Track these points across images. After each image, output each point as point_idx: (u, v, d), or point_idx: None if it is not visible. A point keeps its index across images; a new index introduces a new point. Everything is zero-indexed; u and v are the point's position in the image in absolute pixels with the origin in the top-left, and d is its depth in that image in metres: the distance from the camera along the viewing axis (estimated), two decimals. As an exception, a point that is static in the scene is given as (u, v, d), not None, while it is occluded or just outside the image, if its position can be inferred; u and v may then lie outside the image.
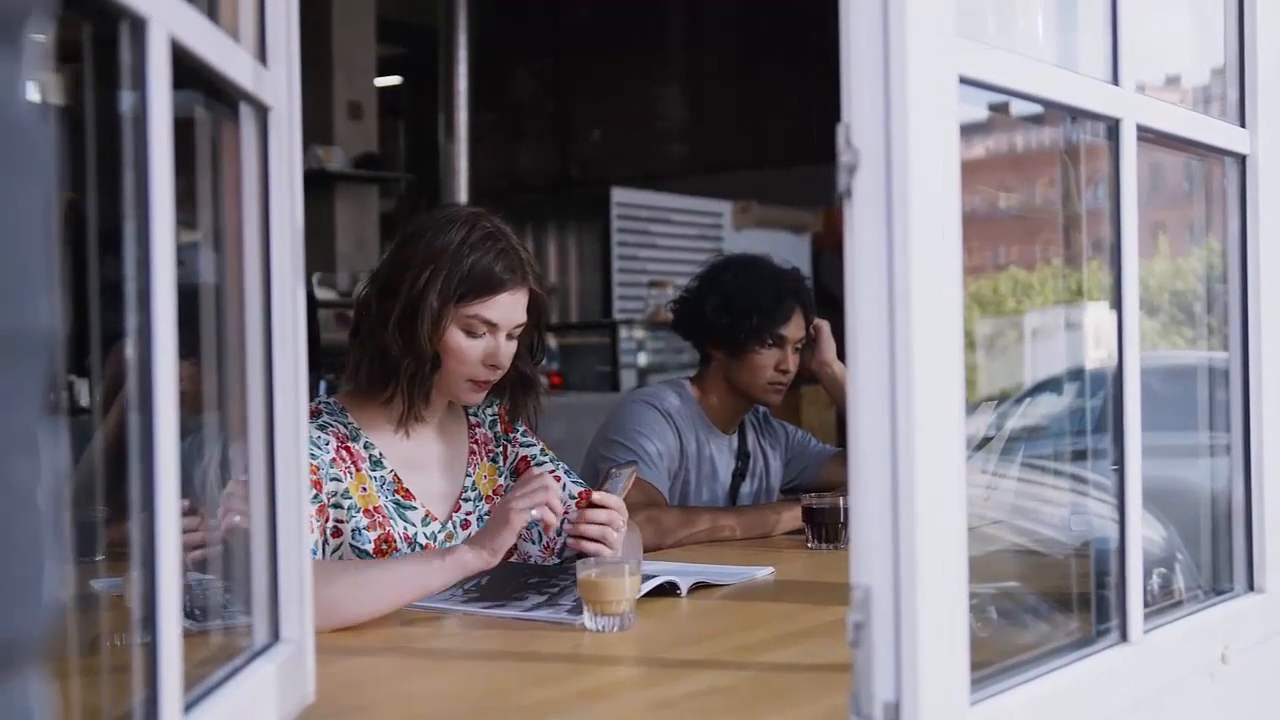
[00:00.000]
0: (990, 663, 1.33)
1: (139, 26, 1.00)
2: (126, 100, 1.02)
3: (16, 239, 0.53)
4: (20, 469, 0.53)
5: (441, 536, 2.26)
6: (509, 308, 2.21)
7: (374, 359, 2.21)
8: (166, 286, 1.02)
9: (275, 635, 1.38)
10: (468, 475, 2.35)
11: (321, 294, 6.74)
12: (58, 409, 0.60)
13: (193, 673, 1.13)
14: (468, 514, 2.32)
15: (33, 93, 0.56)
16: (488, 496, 2.36)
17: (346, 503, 2.15)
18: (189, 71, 1.12)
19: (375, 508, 2.19)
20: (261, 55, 1.35)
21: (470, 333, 2.20)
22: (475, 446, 2.38)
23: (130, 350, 1.03)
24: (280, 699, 1.33)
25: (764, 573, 2.37)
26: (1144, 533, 1.57)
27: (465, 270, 2.17)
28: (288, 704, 1.36)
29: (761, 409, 3.21)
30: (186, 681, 1.06)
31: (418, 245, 2.20)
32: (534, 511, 1.99)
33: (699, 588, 2.19)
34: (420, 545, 2.22)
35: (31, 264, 0.54)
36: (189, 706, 1.10)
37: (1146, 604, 1.55)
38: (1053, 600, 1.73)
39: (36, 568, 0.54)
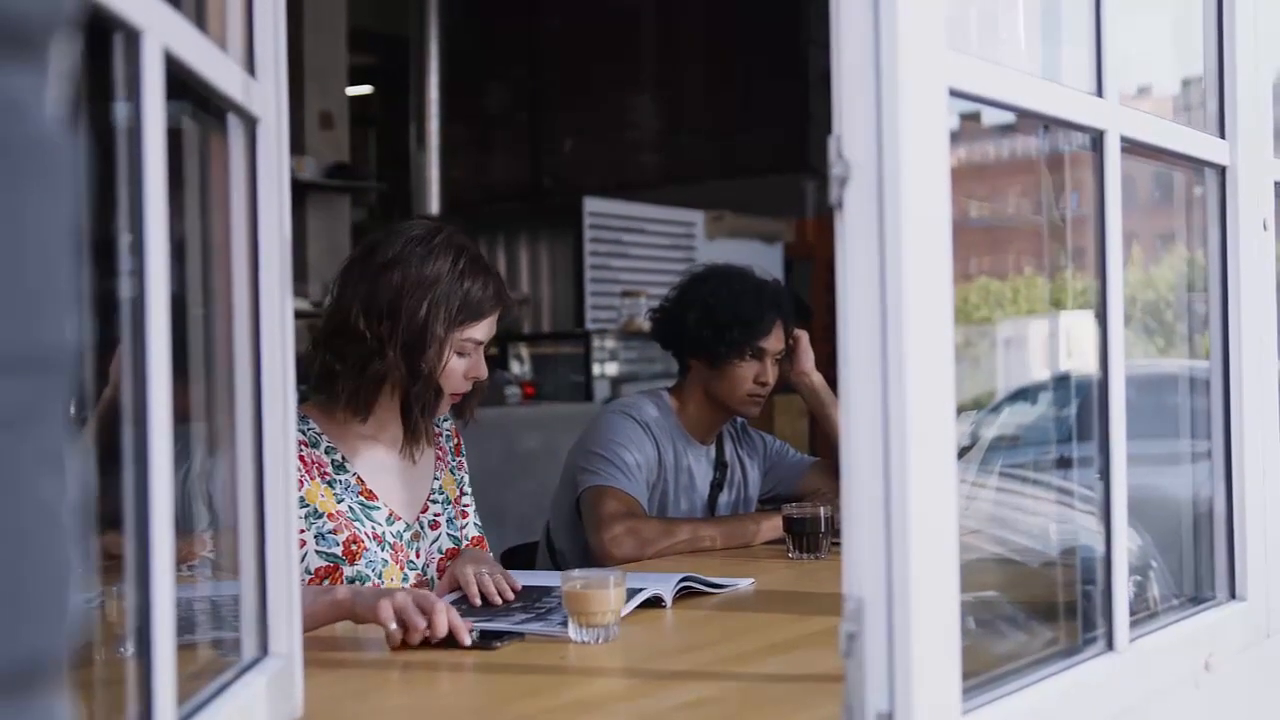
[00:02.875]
0: (980, 672, 1.33)
1: (133, 38, 0.99)
2: (119, 111, 1.02)
3: (43, 255, 0.53)
4: (48, 487, 0.53)
5: (408, 536, 2.33)
6: (492, 325, 2.33)
7: (372, 385, 2.25)
8: (160, 297, 1.02)
9: (264, 649, 1.37)
10: (435, 478, 2.42)
11: (294, 304, 6.69)
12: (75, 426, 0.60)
13: (181, 686, 1.12)
14: (436, 515, 2.40)
15: (56, 108, 0.56)
16: (454, 501, 2.45)
17: (303, 510, 2.19)
18: (178, 82, 1.11)
19: (338, 511, 2.24)
20: (250, 67, 1.35)
21: (461, 353, 2.29)
22: (440, 453, 2.46)
23: (112, 361, 1.03)
24: (270, 713, 1.32)
25: (745, 583, 2.37)
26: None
27: (462, 298, 2.25)
28: (277, 718, 1.35)
29: (739, 419, 3.21)
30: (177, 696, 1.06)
31: (405, 272, 2.24)
32: (393, 625, 1.82)
33: (685, 595, 2.20)
34: (389, 544, 2.28)
35: (57, 280, 0.54)
36: (181, 722, 1.09)
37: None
38: (1036, 610, 1.74)
39: (63, 585, 0.54)
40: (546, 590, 2.19)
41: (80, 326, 0.57)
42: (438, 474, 2.43)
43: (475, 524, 2.51)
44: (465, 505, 2.51)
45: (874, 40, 1.16)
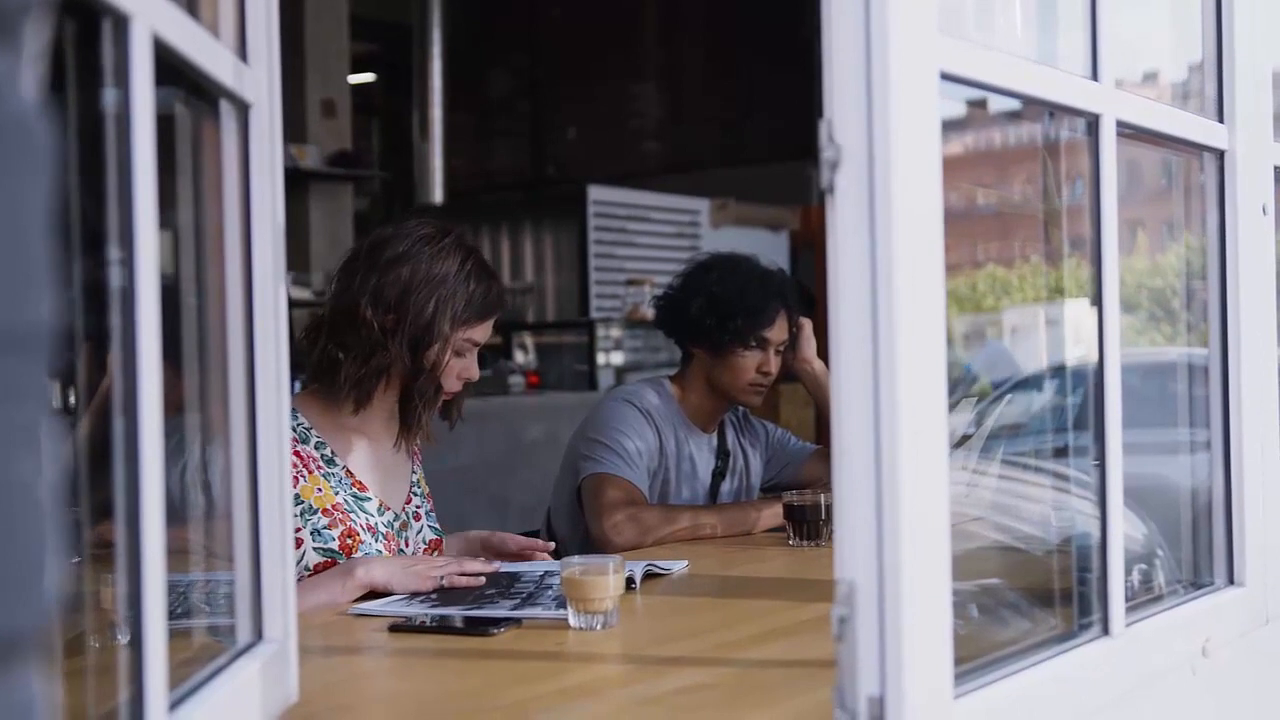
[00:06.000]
0: (974, 657, 1.33)
1: (121, 24, 0.99)
2: (108, 97, 1.01)
3: (20, 235, 0.53)
4: (24, 464, 0.53)
5: (397, 525, 2.38)
6: (490, 328, 2.39)
7: (374, 375, 2.29)
8: (150, 285, 1.02)
9: (258, 634, 1.37)
10: (414, 473, 2.48)
11: (295, 293, 6.71)
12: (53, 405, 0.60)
13: (175, 671, 1.12)
14: (417, 507, 2.46)
15: (31, 90, 0.56)
16: (428, 495, 2.51)
17: (299, 507, 2.22)
18: (169, 68, 1.11)
19: (334, 505, 2.27)
20: (242, 52, 1.35)
21: (459, 353, 2.33)
22: (416, 450, 2.51)
23: (108, 351, 1.03)
24: (264, 698, 1.33)
25: (679, 566, 2.39)
26: (1124, 529, 1.58)
27: (467, 299, 2.30)
28: (271, 703, 1.36)
29: (741, 407, 3.21)
30: (169, 680, 1.06)
31: (414, 269, 2.28)
32: (444, 581, 2.13)
33: (683, 582, 2.21)
34: (381, 534, 2.32)
35: (33, 258, 0.54)
36: (173, 705, 1.10)
37: (1127, 599, 1.56)
38: (1034, 595, 1.74)
39: (39, 562, 0.54)
40: (516, 576, 2.22)
41: (57, 307, 0.58)
42: (415, 468, 2.49)
43: (431, 526, 2.51)
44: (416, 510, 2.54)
45: (864, 24, 1.16)
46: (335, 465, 2.31)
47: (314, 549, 2.22)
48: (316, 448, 2.30)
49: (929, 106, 1.21)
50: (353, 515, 2.28)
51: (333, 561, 2.22)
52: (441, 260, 2.29)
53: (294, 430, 2.28)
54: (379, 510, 2.34)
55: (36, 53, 0.56)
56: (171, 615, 1.14)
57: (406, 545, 2.38)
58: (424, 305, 2.27)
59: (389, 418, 2.37)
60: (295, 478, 2.22)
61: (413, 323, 2.26)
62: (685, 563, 2.42)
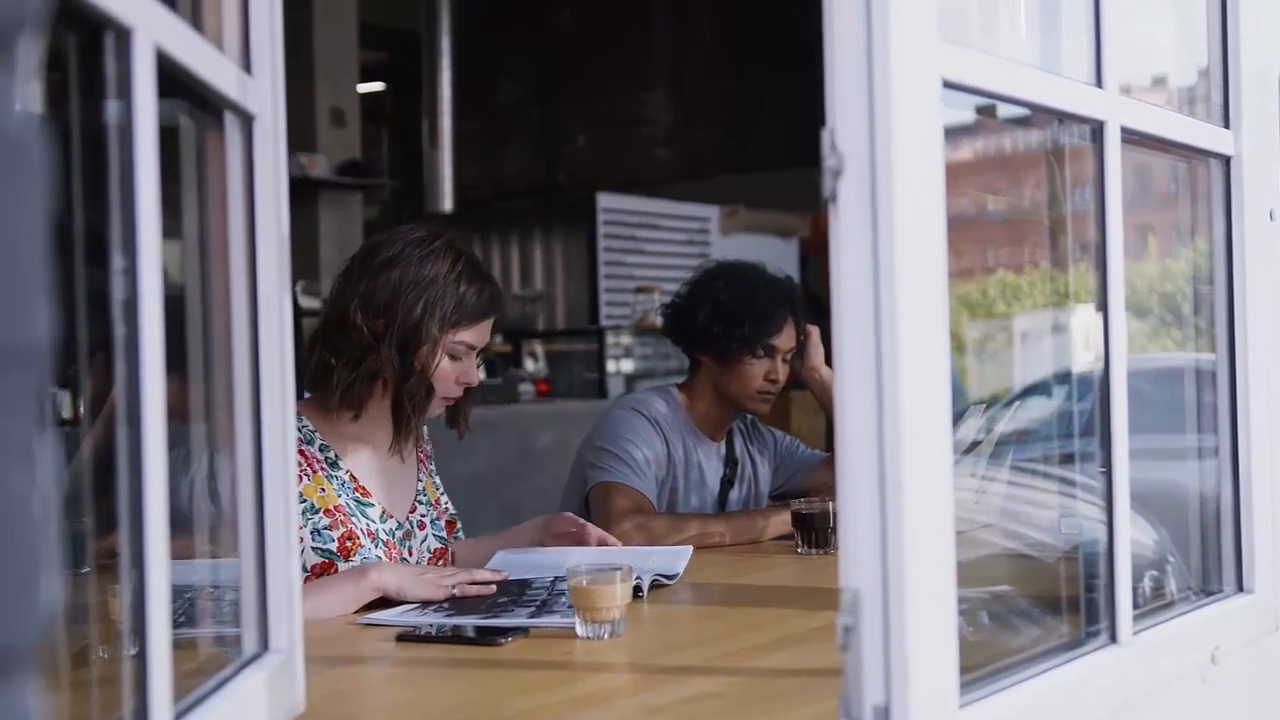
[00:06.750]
0: (980, 665, 1.33)
1: (124, 36, 0.99)
2: (111, 109, 1.02)
3: (13, 249, 0.53)
4: (17, 478, 0.53)
5: (400, 534, 2.38)
6: (487, 331, 2.37)
7: (366, 380, 2.28)
8: (154, 296, 1.02)
9: (264, 645, 1.37)
10: (419, 481, 2.47)
11: (305, 302, 6.71)
12: (48, 419, 0.60)
13: (181, 682, 1.12)
14: (422, 516, 2.45)
15: (27, 103, 0.56)
16: (434, 503, 2.49)
17: (301, 506, 2.21)
18: (173, 80, 1.12)
19: (336, 507, 2.28)
20: (246, 64, 1.35)
21: (453, 357, 2.33)
22: (422, 457, 2.51)
23: (116, 361, 1.03)
24: (270, 709, 1.33)
25: (684, 555, 2.41)
26: (1135, 536, 1.57)
27: (458, 300, 2.30)
28: (277, 714, 1.36)
29: (750, 415, 3.21)
30: (175, 691, 1.06)
31: (404, 271, 2.29)
32: (455, 590, 2.14)
33: (656, 586, 2.22)
34: (382, 541, 2.32)
35: (28, 274, 0.54)
36: (179, 716, 1.10)
37: (1137, 606, 1.56)
38: (1043, 602, 1.73)
39: (34, 576, 0.54)
40: (527, 584, 2.22)
41: (55, 322, 0.58)
42: (420, 476, 2.48)
43: (437, 535, 2.50)
44: (445, 505, 2.54)
45: (866, 31, 1.16)
46: (339, 469, 2.31)
47: (313, 548, 2.22)
48: (320, 450, 2.31)
49: (931, 114, 1.21)
50: (354, 519, 2.28)
51: (331, 563, 2.22)
52: (431, 262, 2.29)
53: (299, 431, 2.28)
54: (381, 517, 2.33)
55: (32, 67, 0.56)
56: (176, 624, 1.14)
57: (410, 554, 2.37)
58: (412, 307, 2.26)
59: (390, 425, 2.37)
60: (299, 476, 2.22)
61: (401, 324, 2.26)
62: (689, 549, 2.43)
